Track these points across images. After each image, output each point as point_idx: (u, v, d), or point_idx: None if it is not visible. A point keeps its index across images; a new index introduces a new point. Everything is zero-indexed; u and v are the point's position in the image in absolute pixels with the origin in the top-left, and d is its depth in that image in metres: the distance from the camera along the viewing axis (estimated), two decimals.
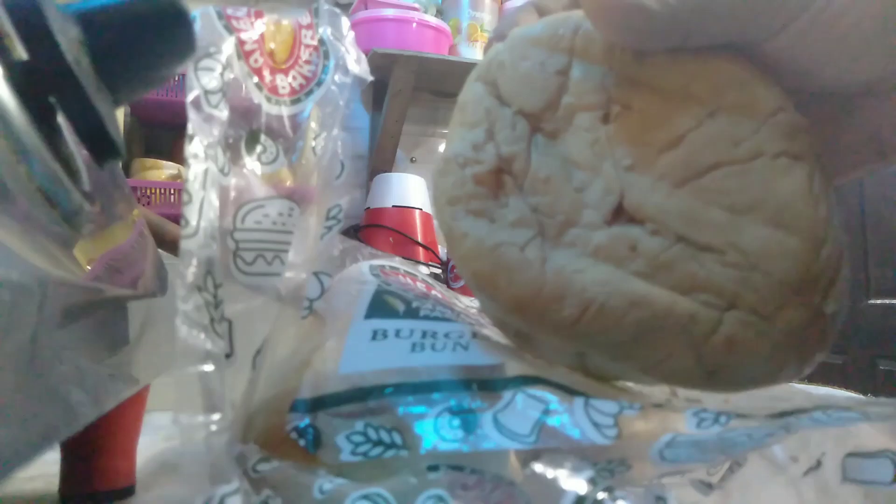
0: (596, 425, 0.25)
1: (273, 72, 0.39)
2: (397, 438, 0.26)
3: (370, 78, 0.42)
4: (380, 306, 0.32)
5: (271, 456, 0.28)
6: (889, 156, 0.25)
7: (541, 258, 0.25)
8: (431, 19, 1.44)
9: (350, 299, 0.34)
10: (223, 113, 0.32)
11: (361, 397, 0.28)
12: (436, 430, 0.26)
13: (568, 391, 0.26)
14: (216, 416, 0.25)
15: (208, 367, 0.26)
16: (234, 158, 0.36)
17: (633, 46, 0.24)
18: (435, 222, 1.42)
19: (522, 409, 0.26)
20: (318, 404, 0.29)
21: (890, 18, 0.21)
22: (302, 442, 0.28)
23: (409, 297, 0.34)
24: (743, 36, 0.23)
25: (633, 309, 0.23)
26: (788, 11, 0.22)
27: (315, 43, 0.41)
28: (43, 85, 0.20)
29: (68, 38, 0.21)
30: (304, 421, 0.28)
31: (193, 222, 0.28)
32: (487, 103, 0.27)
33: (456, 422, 0.26)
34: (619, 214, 0.24)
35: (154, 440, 0.47)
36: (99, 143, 0.23)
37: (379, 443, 0.27)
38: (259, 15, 0.39)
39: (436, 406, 0.27)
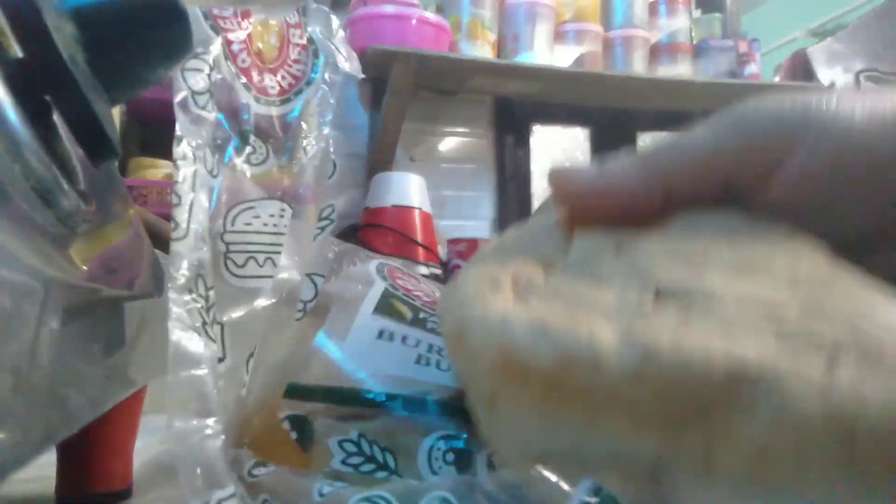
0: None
1: (261, 72, 0.39)
2: (390, 460, 0.26)
3: (361, 75, 0.41)
4: (388, 307, 0.32)
5: (267, 459, 0.28)
6: None
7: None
8: (431, 16, 1.44)
9: (358, 292, 0.33)
10: (211, 114, 0.32)
11: (359, 401, 0.28)
12: (429, 464, 0.26)
13: None
14: (210, 421, 0.25)
15: (201, 372, 0.26)
16: (223, 160, 0.36)
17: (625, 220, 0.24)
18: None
19: None
20: (314, 394, 0.28)
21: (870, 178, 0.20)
22: (294, 434, 0.27)
23: (417, 304, 0.33)
24: (728, 187, 0.23)
25: (715, 341, 0.18)
26: (761, 161, 0.21)
27: (304, 42, 0.41)
28: (38, 83, 0.20)
29: (64, 36, 0.21)
30: (300, 411, 0.28)
31: (183, 224, 0.28)
32: (485, 253, 0.26)
33: (450, 457, 0.26)
34: (658, 297, 0.23)
35: (151, 442, 0.47)
36: (95, 141, 0.22)
37: (371, 459, 0.26)
38: (246, 15, 0.39)
39: (433, 431, 0.27)
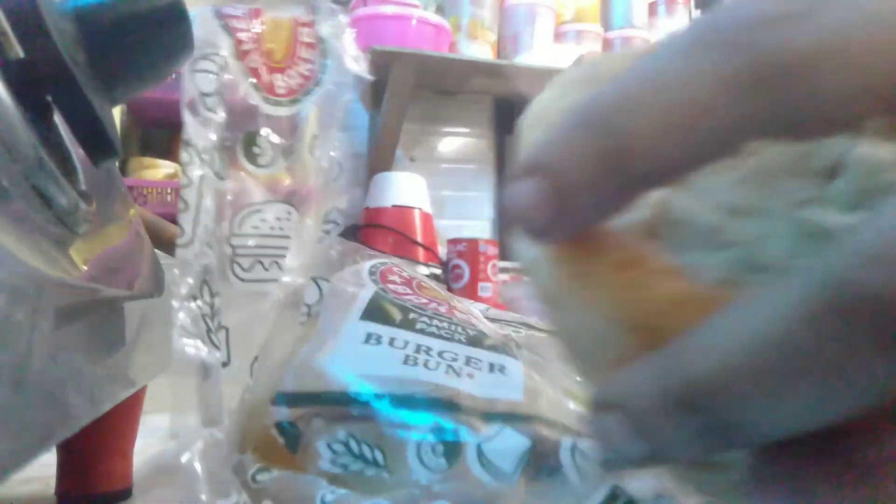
0: (580, 471, 0.25)
1: (271, 71, 0.39)
2: (379, 457, 0.26)
3: (370, 77, 0.41)
4: (376, 311, 0.32)
5: (268, 463, 0.28)
6: None
7: None
8: (431, 16, 1.44)
9: (347, 298, 0.33)
10: (219, 115, 0.32)
11: (346, 402, 0.28)
12: (419, 458, 0.26)
13: (559, 429, 0.26)
14: (214, 430, 0.25)
15: (206, 380, 0.26)
16: (231, 162, 0.35)
17: None
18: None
19: (509, 443, 0.25)
20: (301, 400, 0.29)
21: None
22: (282, 440, 0.28)
23: (407, 306, 0.33)
24: None
25: None
26: None
27: (313, 41, 0.41)
28: (39, 83, 0.20)
29: (65, 36, 0.21)
30: (286, 418, 0.28)
31: (189, 230, 0.28)
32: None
33: (440, 448, 0.26)
34: None
35: (151, 442, 0.47)
36: (95, 141, 0.22)
37: (360, 457, 0.26)
38: (257, 14, 0.38)
39: (420, 425, 0.27)
